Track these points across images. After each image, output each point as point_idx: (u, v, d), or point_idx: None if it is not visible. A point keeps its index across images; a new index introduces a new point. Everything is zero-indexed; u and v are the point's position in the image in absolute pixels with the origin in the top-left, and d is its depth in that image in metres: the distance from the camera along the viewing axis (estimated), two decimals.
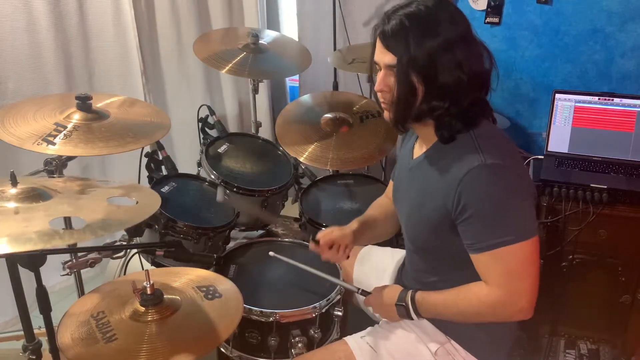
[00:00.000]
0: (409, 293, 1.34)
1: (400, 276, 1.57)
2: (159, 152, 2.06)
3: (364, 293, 1.48)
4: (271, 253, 1.66)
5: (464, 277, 1.26)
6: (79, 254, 1.53)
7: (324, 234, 1.50)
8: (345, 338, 1.46)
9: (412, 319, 1.34)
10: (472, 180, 1.16)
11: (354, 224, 1.52)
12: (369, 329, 1.49)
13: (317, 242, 1.49)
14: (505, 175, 1.18)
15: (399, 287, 1.39)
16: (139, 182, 2.14)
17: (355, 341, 1.43)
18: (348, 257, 1.52)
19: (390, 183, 1.63)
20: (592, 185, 2.02)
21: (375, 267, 1.70)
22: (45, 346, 1.29)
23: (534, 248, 1.19)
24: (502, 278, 1.19)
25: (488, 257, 1.19)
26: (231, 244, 1.95)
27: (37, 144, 1.43)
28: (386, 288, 1.42)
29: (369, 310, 1.66)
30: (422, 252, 1.40)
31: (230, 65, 2.26)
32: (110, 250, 1.53)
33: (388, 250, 1.76)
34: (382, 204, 1.65)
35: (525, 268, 1.19)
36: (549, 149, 2.29)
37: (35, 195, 1.18)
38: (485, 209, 1.17)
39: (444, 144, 1.26)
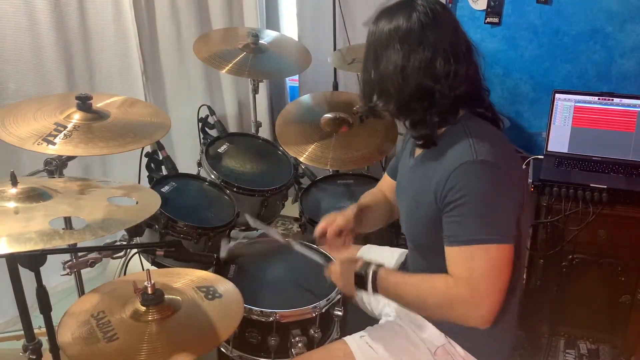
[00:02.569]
0: (372, 265, 1.31)
1: None
2: (159, 152, 2.06)
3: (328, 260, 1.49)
4: (247, 215, 1.69)
5: None
6: (79, 254, 1.53)
7: (328, 223, 1.49)
8: (344, 337, 1.46)
9: (366, 291, 1.31)
10: (460, 174, 1.16)
11: (353, 208, 1.53)
12: (368, 328, 1.49)
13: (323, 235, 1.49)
14: (494, 173, 1.17)
15: (363, 259, 1.36)
16: (139, 182, 2.14)
17: (355, 340, 1.43)
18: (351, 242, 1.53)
19: (384, 176, 1.65)
20: (591, 185, 2.02)
21: None
22: (46, 346, 1.29)
23: (506, 256, 1.16)
24: (470, 276, 1.16)
25: (460, 252, 1.17)
26: (231, 244, 1.94)
27: (38, 144, 1.43)
28: (351, 259, 1.39)
29: (366, 308, 1.66)
30: (422, 250, 1.40)
31: (230, 65, 2.26)
32: (111, 250, 1.53)
33: (387, 249, 1.76)
34: (373, 193, 1.67)
35: (494, 273, 1.15)
36: (548, 149, 2.29)
37: (35, 195, 1.18)
38: (468, 203, 1.16)
39: (418, 147, 1.31)
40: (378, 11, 1.27)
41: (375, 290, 1.29)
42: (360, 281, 1.31)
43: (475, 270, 1.15)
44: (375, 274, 1.29)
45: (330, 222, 1.50)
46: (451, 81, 1.20)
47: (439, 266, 1.35)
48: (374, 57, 1.25)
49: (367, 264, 1.32)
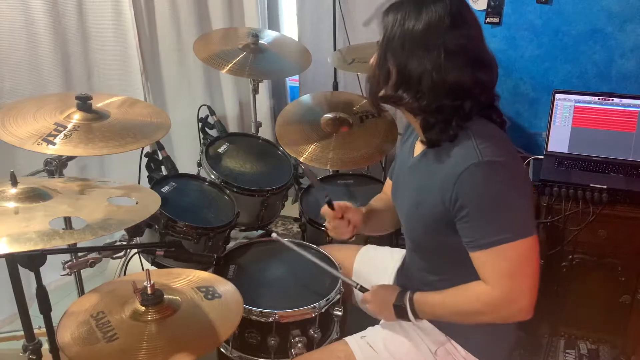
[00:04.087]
0: (407, 294, 1.34)
1: (400, 276, 1.57)
2: (159, 152, 2.06)
3: (362, 289, 1.48)
4: (274, 235, 1.65)
5: (465, 276, 1.25)
6: (79, 254, 1.53)
7: (340, 202, 1.50)
8: (345, 338, 1.46)
9: (409, 320, 1.34)
10: (469, 178, 1.16)
11: (362, 209, 1.54)
12: (369, 328, 1.49)
13: (331, 207, 1.48)
14: (503, 172, 1.17)
15: (398, 288, 1.38)
16: (139, 182, 2.14)
17: (356, 341, 1.43)
18: (352, 237, 1.51)
19: (388, 181, 1.63)
20: (592, 185, 2.02)
21: (375, 266, 1.70)
22: (46, 346, 1.29)
23: (533, 246, 1.18)
24: (502, 277, 1.19)
25: (487, 255, 1.18)
26: (231, 244, 1.95)
27: (37, 144, 1.43)
28: (385, 288, 1.42)
29: (364, 307, 1.66)
30: (422, 251, 1.40)
31: (230, 65, 2.26)
32: (110, 250, 1.53)
33: (387, 249, 1.76)
34: (382, 198, 1.66)
35: (525, 266, 1.18)
36: (548, 149, 2.29)
37: (35, 195, 1.18)
38: (482, 206, 1.17)
39: (428, 147, 1.28)
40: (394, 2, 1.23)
41: (417, 317, 1.33)
42: (400, 312, 1.34)
43: (507, 270, 1.18)
44: (412, 302, 1.32)
45: (344, 204, 1.50)
46: (483, 84, 1.20)
47: (438, 266, 1.35)
48: (400, 50, 1.20)
49: (402, 294, 1.35)
